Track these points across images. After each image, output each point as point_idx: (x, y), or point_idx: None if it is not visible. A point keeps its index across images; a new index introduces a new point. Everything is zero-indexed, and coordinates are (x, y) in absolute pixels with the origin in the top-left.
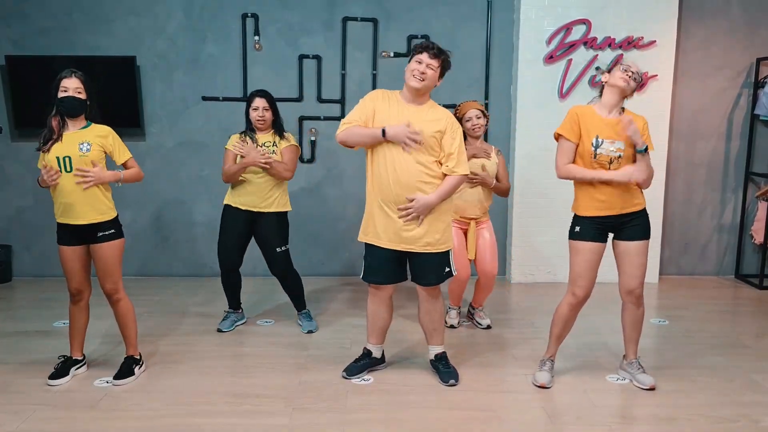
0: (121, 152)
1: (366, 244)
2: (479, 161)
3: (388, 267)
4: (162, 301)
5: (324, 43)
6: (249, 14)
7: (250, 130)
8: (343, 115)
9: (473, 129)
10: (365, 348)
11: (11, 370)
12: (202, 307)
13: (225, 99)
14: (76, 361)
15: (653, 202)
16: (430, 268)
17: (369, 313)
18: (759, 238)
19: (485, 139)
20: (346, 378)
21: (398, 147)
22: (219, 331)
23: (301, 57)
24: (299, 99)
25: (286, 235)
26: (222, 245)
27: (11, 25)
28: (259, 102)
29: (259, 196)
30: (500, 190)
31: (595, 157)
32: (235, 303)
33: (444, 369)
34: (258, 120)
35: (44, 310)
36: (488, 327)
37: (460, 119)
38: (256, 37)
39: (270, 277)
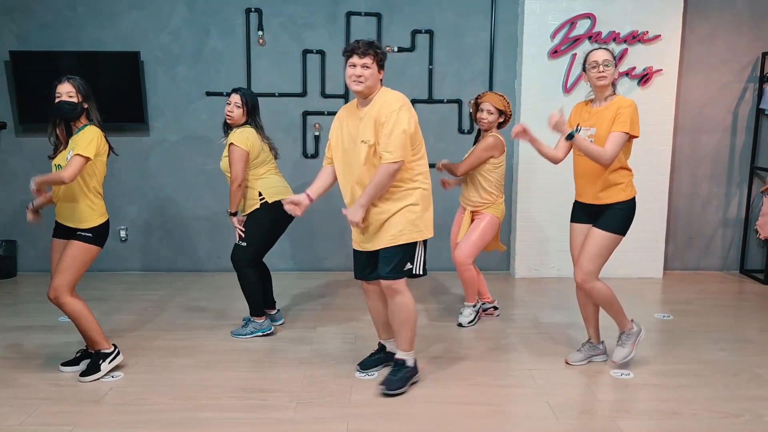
0: (78, 147)
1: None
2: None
3: (360, 264)
4: (166, 296)
5: (328, 38)
6: (252, 9)
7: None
8: None
9: (479, 120)
10: (379, 342)
11: (17, 364)
12: (206, 302)
13: (228, 94)
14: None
15: (658, 196)
16: (385, 262)
17: (368, 309)
18: (764, 233)
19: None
20: (360, 372)
21: (347, 156)
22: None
23: (305, 52)
24: (303, 94)
25: (250, 232)
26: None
27: (15, 20)
28: (232, 98)
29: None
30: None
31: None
32: (268, 302)
33: (389, 374)
34: (227, 115)
35: (49, 305)
36: (459, 325)
37: (477, 105)
38: (260, 32)
39: (278, 272)
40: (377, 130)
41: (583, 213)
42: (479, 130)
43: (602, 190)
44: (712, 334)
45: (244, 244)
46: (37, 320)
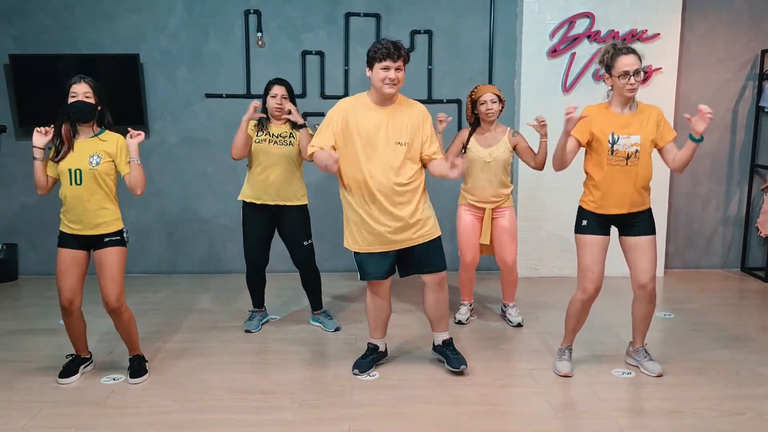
0: (125, 163)
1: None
2: (488, 149)
3: (384, 264)
4: (167, 298)
5: (327, 39)
6: (251, 10)
7: (266, 119)
8: None
9: (487, 113)
10: (370, 343)
11: (19, 368)
12: (207, 304)
13: (228, 96)
14: (84, 360)
15: (658, 195)
16: (433, 255)
17: (370, 309)
18: (764, 231)
19: None
20: (359, 375)
21: (375, 157)
22: (247, 331)
23: (304, 53)
24: (302, 95)
25: (308, 230)
26: (247, 244)
27: (14, 23)
28: (278, 90)
29: (277, 190)
30: (538, 164)
31: (612, 153)
32: (259, 301)
33: (453, 355)
34: (276, 108)
35: (50, 308)
36: (519, 325)
37: (474, 102)
38: (259, 34)
39: (276, 273)
40: (416, 133)
41: (607, 224)
42: (475, 125)
43: (644, 196)
44: (714, 332)
45: (311, 241)
46: (38, 323)
